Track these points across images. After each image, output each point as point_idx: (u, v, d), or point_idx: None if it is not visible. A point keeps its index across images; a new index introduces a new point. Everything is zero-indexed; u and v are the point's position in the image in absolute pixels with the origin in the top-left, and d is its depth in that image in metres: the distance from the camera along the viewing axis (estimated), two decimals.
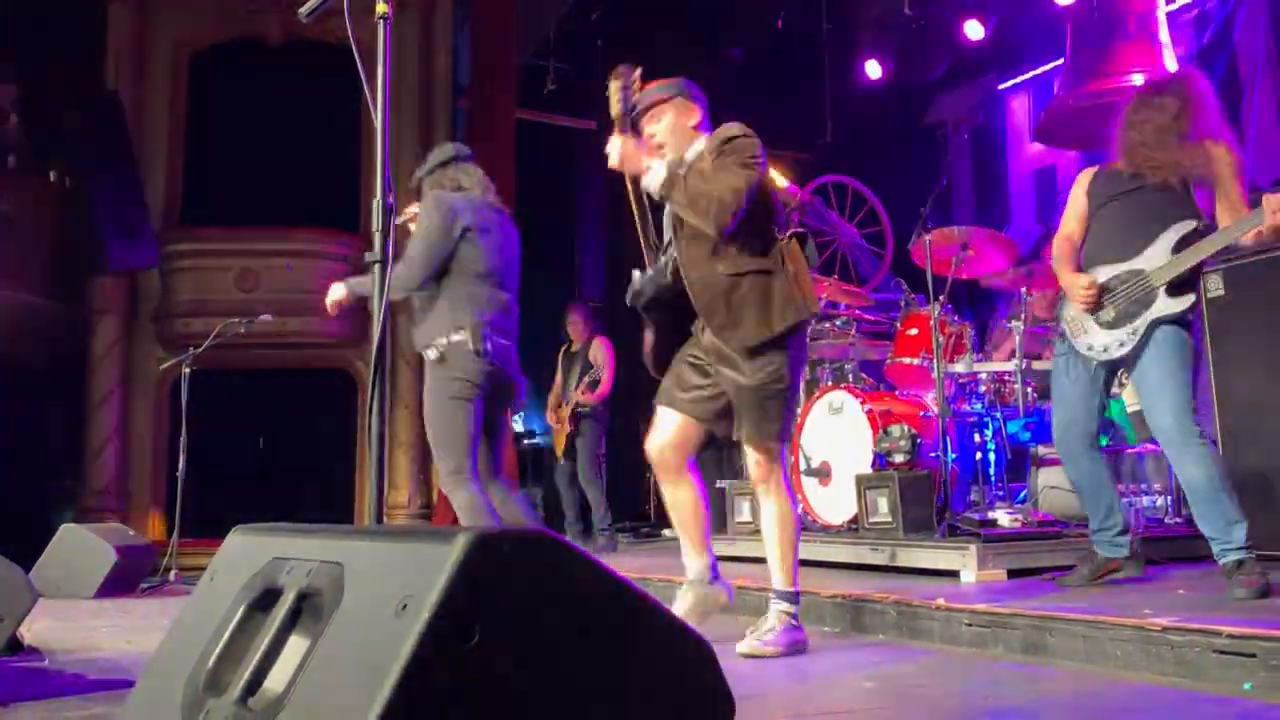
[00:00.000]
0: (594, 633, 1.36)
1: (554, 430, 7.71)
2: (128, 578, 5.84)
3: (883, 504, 4.67)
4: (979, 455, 5.21)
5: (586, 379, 7.28)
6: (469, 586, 1.24)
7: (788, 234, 3.21)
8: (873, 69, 9.49)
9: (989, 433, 5.19)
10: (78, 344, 8.76)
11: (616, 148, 3.18)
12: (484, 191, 4.25)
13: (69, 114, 8.57)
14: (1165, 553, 4.38)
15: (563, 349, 7.75)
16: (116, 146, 8.67)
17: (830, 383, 5.67)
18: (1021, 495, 5.24)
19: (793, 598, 3.21)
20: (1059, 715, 2.39)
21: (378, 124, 2.32)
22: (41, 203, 8.44)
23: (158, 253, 8.71)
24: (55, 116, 8.51)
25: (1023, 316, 5.11)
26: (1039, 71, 8.87)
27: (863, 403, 5.16)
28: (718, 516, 6.68)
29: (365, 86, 2.32)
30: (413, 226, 4.12)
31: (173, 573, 6.36)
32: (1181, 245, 3.40)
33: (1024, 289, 5.22)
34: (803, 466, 5.39)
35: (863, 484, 4.81)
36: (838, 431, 5.29)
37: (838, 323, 5.94)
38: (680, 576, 3.44)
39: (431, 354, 3.94)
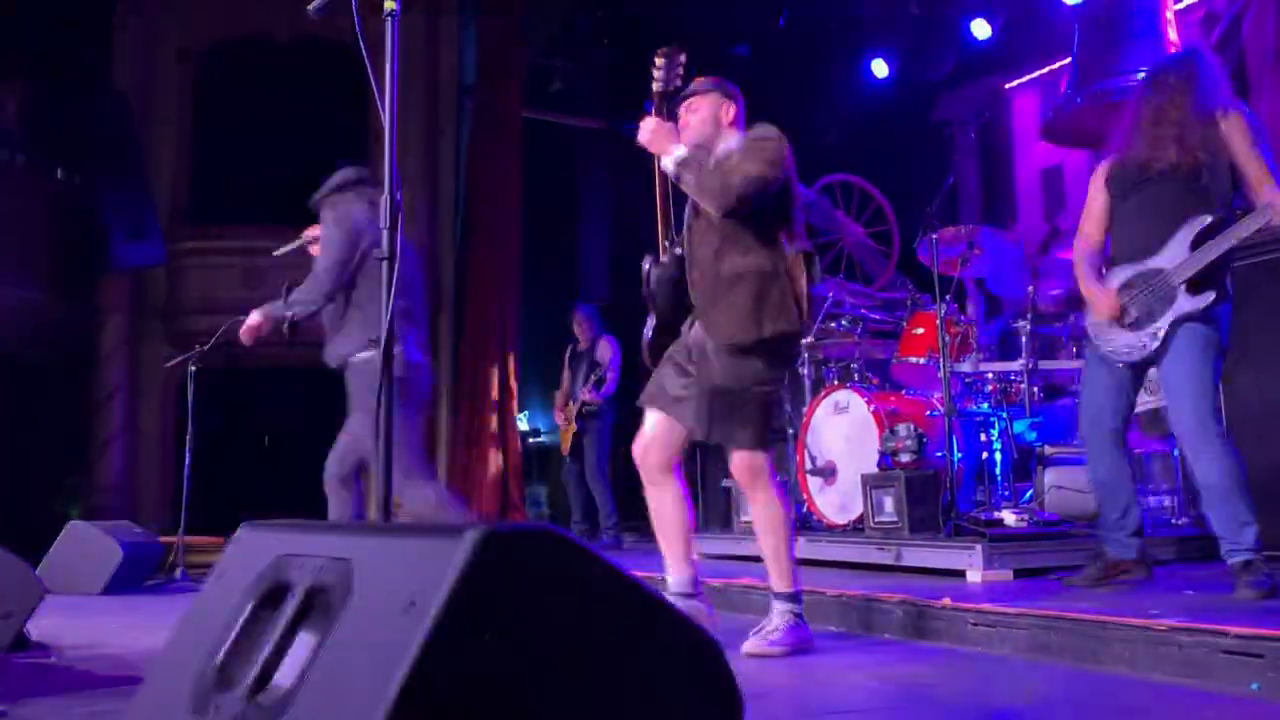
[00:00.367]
0: (603, 630, 1.36)
1: (560, 429, 7.72)
2: (134, 574, 5.85)
3: (888, 503, 4.67)
4: (985, 455, 5.20)
5: (593, 378, 7.29)
6: (478, 584, 1.24)
7: (796, 249, 3.21)
8: (879, 68, 9.47)
9: (995, 432, 5.18)
10: (85, 342, 8.79)
11: (649, 127, 3.19)
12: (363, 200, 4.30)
13: (76, 113, 8.59)
14: (1172, 553, 4.37)
15: (569, 349, 7.76)
16: (123, 145, 8.69)
17: (836, 382, 5.67)
18: (1028, 495, 5.23)
19: (794, 597, 3.19)
20: (1066, 715, 2.39)
21: (385, 121, 2.32)
22: (48, 201, 8.45)
23: (164, 251, 8.73)
24: (63, 116, 8.53)
25: (1029, 316, 5.10)
26: (1046, 70, 8.84)
27: (868, 402, 5.15)
28: (721, 516, 6.71)
29: (374, 84, 2.33)
30: (313, 250, 4.28)
31: (179, 569, 6.36)
32: (1199, 241, 3.36)
33: (1030, 288, 5.21)
34: (808, 466, 5.39)
35: (868, 483, 4.81)
36: (843, 431, 5.28)
37: (843, 322, 5.93)
38: None
39: (354, 362, 4.02)
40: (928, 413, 5.21)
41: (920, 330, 5.44)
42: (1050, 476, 5.05)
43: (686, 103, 3.33)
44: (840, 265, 7.96)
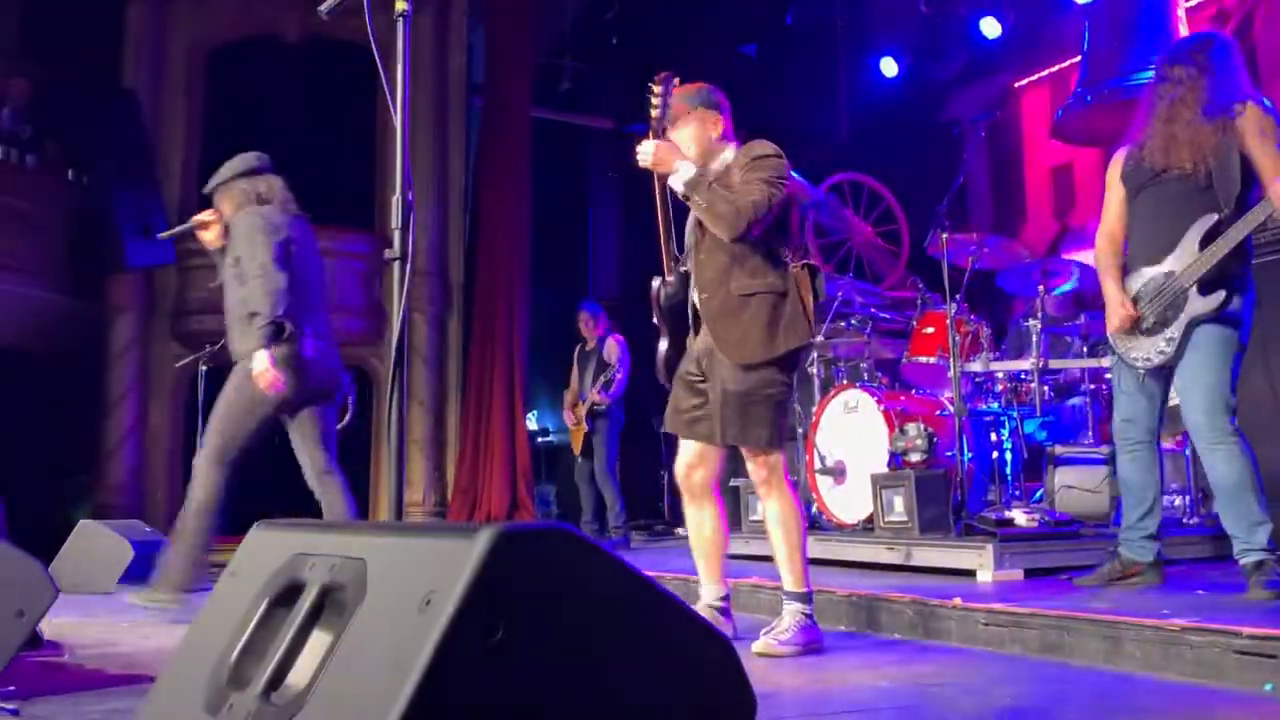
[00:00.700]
0: (617, 629, 1.36)
1: (570, 429, 7.72)
2: (145, 573, 5.85)
3: (898, 503, 4.66)
4: (995, 454, 5.19)
5: (602, 378, 7.29)
6: (493, 583, 1.25)
7: (801, 263, 3.23)
8: (888, 66, 9.45)
9: (1005, 432, 5.17)
10: (95, 341, 8.81)
11: (648, 150, 3.17)
12: (284, 201, 4.34)
13: (87, 113, 8.61)
14: (1184, 553, 4.36)
15: (578, 348, 7.76)
16: (134, 144, 8.71)
17: (845, 381, 5.66)
18: (1038, 494, 5.22)
19: (806, 597, 3.20)
20: (1078, 715, 2.38)
21: (397, 121, 2.32)
22: (59, 200, 8.48)
23: (175, 250, 8.75)
24: (74, 115, 8.56)
25: (1039, 315, 5.09)
26: (1057, 68, 8.82)
27: (878, 401, 5.14)
28: (730, 515, 6.69)
29: (385, 84, 2.33)
30: (204, 235, 4.31)
31: None
32: (1207, 240, 3.34)
33: (1040, 288, 5.19)
34: (817, 465, 5.39)
35: (878, 483, 4.80)
36: (853, 430, 5.28)
37: (853, 321, 5.92)
38: (694, 575, 3.44)
39: (255, 365, 4.03)
40: (938, 412, 5.21)
41: (930, 329, 5.43)
42: (1061, 476, 5.05)
43: (673, 126, 3.30)
44: (849, 264, 7.94)
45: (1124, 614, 2.87)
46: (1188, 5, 7.13)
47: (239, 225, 4.19)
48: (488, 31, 10.07)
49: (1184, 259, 3.39)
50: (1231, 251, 3.31)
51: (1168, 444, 5.07)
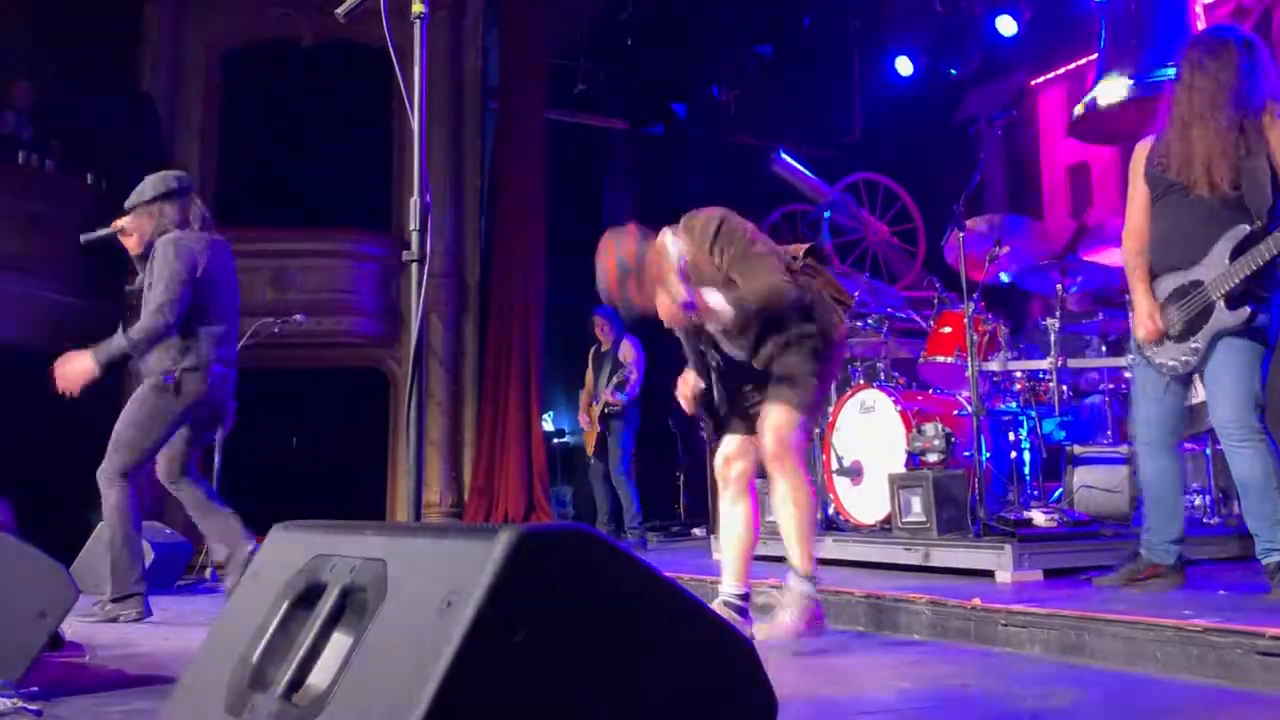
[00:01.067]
0: (638, 630, 1.36)
1: (584, 430, 7.73)
2: (164, 575, 5.90)
3: (916, 503, 4.64)
4: (1014, 454, 5.16)
5: (615, 378, 7.29)
6: (514, 584, 1.25)
7: (800, 261, 3.27)
8: (903, 66, 9.42)
9: (1024, 431, 5.15)
10: None
11: (669, 308, 3.16)
12: (202, 225, 4.43)
13: (104, 117, 8.66)
14: (1205, 553, 4.32)
15: (593, 350, 7.77)
16: (150, 147, 8.76)
17: (862, 381, 5.64)
18: (1057, 494, 5.19)
19: (812, 579, 3.25)
20: (1099, 717, 2.37)
21: (414, 123, 2.33)
22: (76, 203, 8.53)
23: None
24: (90, 117, 8.61)
25: (1058, 314, 5.06)
26: (1073, 66, 8.77)
27: (895, 401, 5.13)
28: None
29: (402, 86, 2.34)
30: (126, 240, 4.41)
31: (209, 570, 6.41)
32: (1238, 252, 3.28)
33: (1059, 286, 5.17)
34: (834, 466, 5.37)
35: (896, 483, 4.78)
36: (870, 430, 5.26)
37: (869, 321, 5.90)
38: (711, 575, 3.45)
39: (162, 381, 4.24)
40: (955, 412, 5.18)
41: (948, 329, 5.41)
42: (1080, 475, 5.01)
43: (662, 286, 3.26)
44: (866, 263, 7.91)
45: (1145, 615, 2.85)
46: (1205, 2, 7.08)
47: (157, 251, 4.29)
48: (502, 34, 10.08)
49: (1213, 270, 3.33)
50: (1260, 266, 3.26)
51: (1187, 444, 5.04)
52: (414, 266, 2.32)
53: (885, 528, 4.96)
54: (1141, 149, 3.60)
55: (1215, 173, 3.30)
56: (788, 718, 2.26)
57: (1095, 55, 7.69)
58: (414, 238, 2.34)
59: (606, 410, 7.40)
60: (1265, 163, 3.28)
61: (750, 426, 3.33)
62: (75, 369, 4.19)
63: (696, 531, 8.25)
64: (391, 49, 2.37)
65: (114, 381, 4.69)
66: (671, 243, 3.26)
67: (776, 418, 3.20)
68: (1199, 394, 4.41)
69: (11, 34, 8.33)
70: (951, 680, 2.79)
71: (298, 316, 6.93)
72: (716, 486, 3.54)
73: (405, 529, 1.60)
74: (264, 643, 1.57)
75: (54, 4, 8.39)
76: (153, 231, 4.36)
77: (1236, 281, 3.27)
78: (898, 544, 4.65)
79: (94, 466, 4.31)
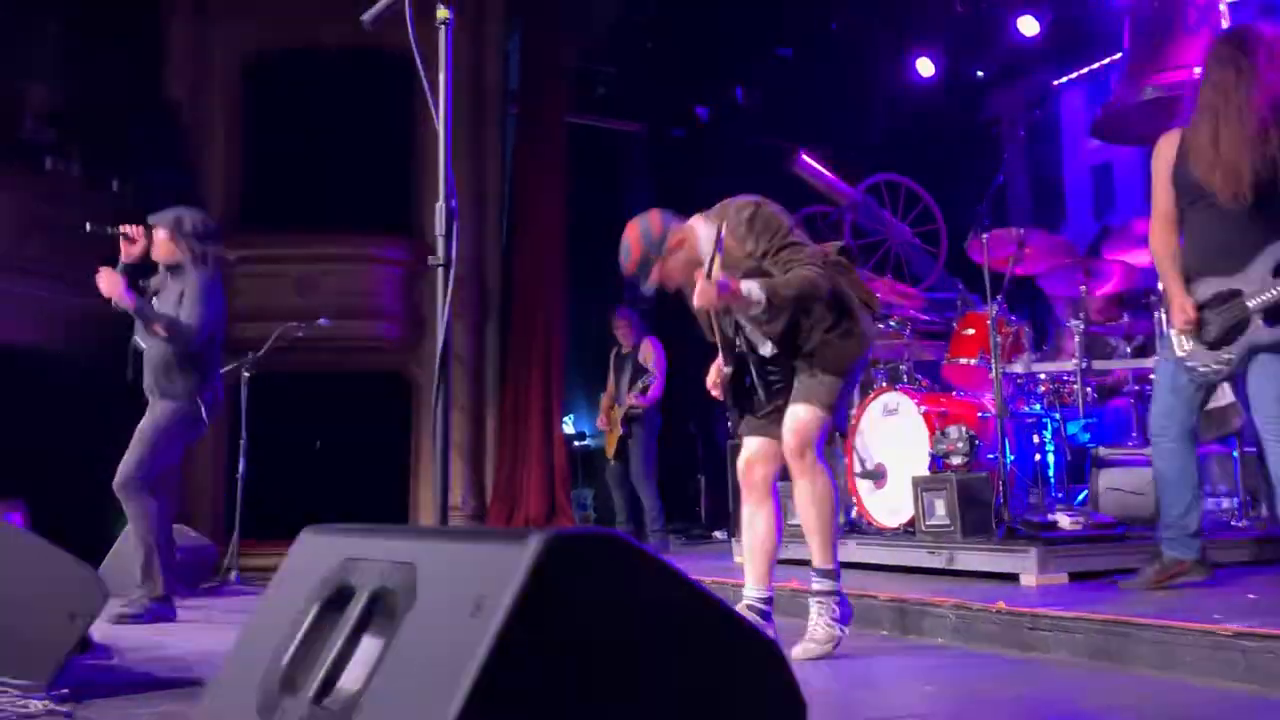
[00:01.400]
0: (666, 633, 1.36)
1: (605, 433, 7.72)
2: (190, 578, 5.94)
3: (940, 506, 4.62)
4: (1038, 457, 5.13)
5: (640, 383, 7.26)
6: (544, 587, 1.25)
7: (835, 253, 3.25)
8: (925, 67, 9.38)
9: (1048, 434, 5.12)
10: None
11: (707, 291, 3.07)
12: (215, 266, 4.81)
13: (128, 124, 8.73)
14: (1234, 556, 4.29)
15: (614, 352, 7.76)
16: (174, 154, 8.82)
17: (885, 384, 5.62)
18: (1081, 497, 5.15)
19: (834, 574, 3.25)
20: None
21: (440, 128, 2.34)
22: (101, 210, 8.61)
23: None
24: (114, 125, 8.67)
25: (1082, 316, 5.02)
26: (1096, 66, 8.72)
27: (919, 404, 5.10)
28: None
29: (427, 92, 2.35)
30: (130, 248, 4.70)
31: (233, 573, 6.46)
32: None
33: (1083, 288, 5.13)
34: (857, 469, 5.35)
35: (919, 486, 4.76)
36: (893, 433, 5.24)
37: (892, 323, 5.87)
38: (733, 579, 3.44)
39: (188, 406, 4.60)
40: (979, 414, 5.15)
41: (971, 331, 5.38)
42: (1105, 478, 4.97)
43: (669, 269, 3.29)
44: (888, 265, 7.89)
45: (1173, 618, 2.83)
46: (1230, 0, 7.02)
47: (190, 283, 4.63)
48: (523, 39, 10.10)
49: (1253, 282, 3.30)
50: None
51: (1214, 445, 5.00)
52: (440, 271, 2.32)
53: (909, 531, 4.94)
54: (1162, 146, 3.57)
55: (1243, 181, 3.27)
56: None
57: (1118, 55, 7.65)
58: (439, 243, 2.34)
59: (629, 413, 7.39)
60: None
61: (773, 429, 3.31)
62: (114, 283, 4.49)
63: (718, 535, 8.23)
64: (417, 55, 2.38)
65: (138, 388, 4.77)
66: (704, 225, 3.25)
67: (801, 415, 3.19)
68: (1226, 395, 4.38)
69: (34, 41, 8.40)
70: (977, 684, 2.78)
71: (322, 320, 6.97)
72: (738, 489, 3.52)
73: (434, 533, 1.61)
74: (294, 646, 1.58)
75: (77, 11, 8.46)
76: (177, 259, 4.72)
77: (1277, 298, 3.24)
78: (921, 547, 4.63)
79: (109, 471, 4.48)
